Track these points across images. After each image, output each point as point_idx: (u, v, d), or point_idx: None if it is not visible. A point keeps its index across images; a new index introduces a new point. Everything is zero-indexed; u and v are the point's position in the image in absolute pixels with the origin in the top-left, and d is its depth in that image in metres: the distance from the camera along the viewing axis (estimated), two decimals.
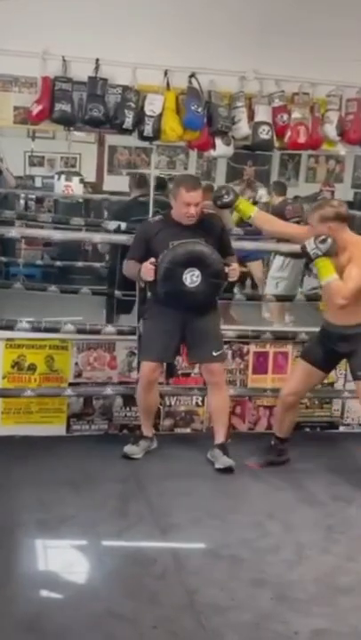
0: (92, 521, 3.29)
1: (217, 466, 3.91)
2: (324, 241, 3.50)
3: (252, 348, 4.62)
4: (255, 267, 7.63)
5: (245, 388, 4.62)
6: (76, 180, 8.80)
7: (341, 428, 4.76)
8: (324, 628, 2.66)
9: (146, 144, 8.93)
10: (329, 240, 3.51)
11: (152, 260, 3.73)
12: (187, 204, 3.78)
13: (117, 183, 8.85)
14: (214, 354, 3.93)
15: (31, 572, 2.92)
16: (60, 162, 9.96)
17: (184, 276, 3.74)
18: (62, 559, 3.04)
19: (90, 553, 3.09)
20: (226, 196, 3.83)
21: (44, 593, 2.79)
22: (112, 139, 8.06)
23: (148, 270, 3.73)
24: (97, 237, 5.23)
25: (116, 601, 2.74)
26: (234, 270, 3.88)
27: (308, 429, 4.69)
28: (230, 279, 3.93)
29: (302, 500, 3.70)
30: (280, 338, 4.67)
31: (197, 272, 3.74)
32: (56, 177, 8.81)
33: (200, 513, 3.46)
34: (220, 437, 4.03)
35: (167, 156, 9.96)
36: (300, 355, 4.06)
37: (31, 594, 2.77)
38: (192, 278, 3.75)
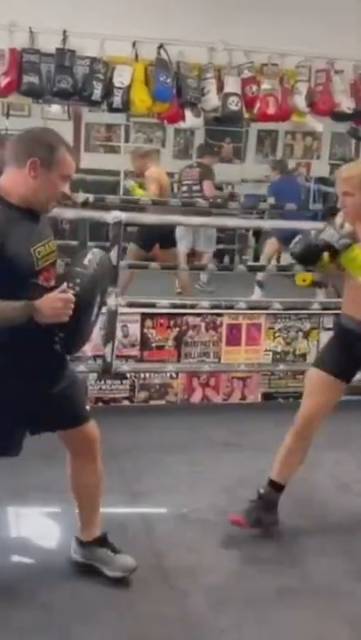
0: (64, 489, 3.30)
1: (113, 574, 2.68)
2: (342, 226, 2.84)
3: (225, 320, 4.66)
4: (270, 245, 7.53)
5: (219, 361, 4.65)
6: None
7: None
8: (290, 587, 2.73)
9: (122, 121, 9.04)
10: (346, 222, 2.85)
11: (70, 284, 2.27)
12: (65, 178, 2.34)
13: (94, 161, 8.85)
14: (88, 408, 2.73)
15: (2, 539, 2.96)
16: None
17: (94, 311, 2.43)
18: (33, 526, 3.08)
19: (61, 519, 3.13)
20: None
21: (16, 558, 2.83)
22: (89, 116, 8.01)
23: (66, 303, 2.23)
24: (68, 213, 5.05)
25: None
26: None
27: (281, 400, 4.73)
28: None
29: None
30: (254, 308, 4.71)
31: (99, 298, 2.46)
32: None
33: (171, 480, 3.51)
34: (98, 527, 2.77)
35: (144, 132, 9.94)
36: (315, 365, 3.10)
37: (2, 560, 2.80)
38: (95, 309, 2.44)
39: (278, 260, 8.31)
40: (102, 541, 2.73)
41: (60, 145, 2.32)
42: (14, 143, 2.35)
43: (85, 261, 2.32)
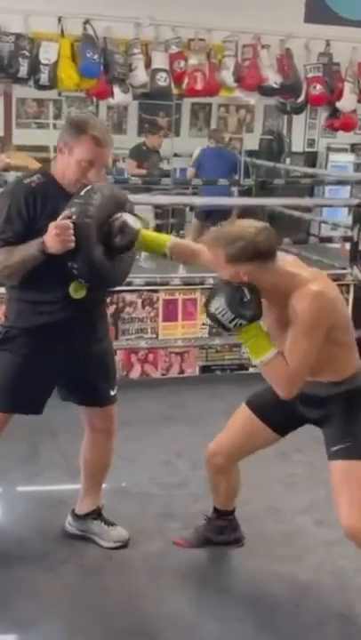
0: (4, 468, 3.33)
1: (107, 545, 2.82)
2: (240, 299, 2.25)
3: (162, 295, 4.71)
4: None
5: (157, 337, 4.68)
6: None
7: (251, 370, 4.91)
8: (224, 552, 2.83)
9: (55, 96, 8.90)
10: (247, 293, 2.25)
11: (67, 212, 2.37)
12: (89, 163, 2.44)
13: (27, 137, 8.69)
14: (112, 393, 2.78)
15: None
16: None
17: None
18: None
19: (1, 498, 3.16)
20: (120, 237, 2.43)
21: None
22: (20, 91, 7.84)
23: (65, 229, 2.33)
24: None
25: (26, 541, 2.83)
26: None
27: (218, 372, 4.82)
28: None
29: (211, 438, 3.78)
30: (188, 284, 4.77)
31: None
32: None
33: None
34: (98, 499, 2.89)
35: (77, 107, 9.81)
36: (247, 402, 2.63)
37: None
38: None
39: None
40: (96, 514, 2.86)
41: (88, 131, 2.42)
42: None
43: (82, 193, 2.41)
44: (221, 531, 2.85)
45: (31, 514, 3.04)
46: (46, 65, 4.23)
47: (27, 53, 4.20)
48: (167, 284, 4.66)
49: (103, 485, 3.08)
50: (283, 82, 4.81)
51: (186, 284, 4.72)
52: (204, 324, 4.74)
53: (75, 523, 2.88)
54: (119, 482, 3.31)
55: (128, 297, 4.55)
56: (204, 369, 4.76)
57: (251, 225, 2.29)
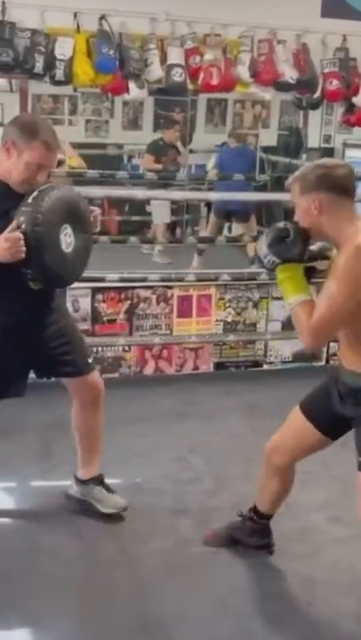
0: (18, 464, 3.36)
1: (106, 510, 2.95)
2: (281, 238, 2.23)
3: (176, 292, 4.70)
4: (249, 227, 7.24)
5: (171, 333, 4.69)
6: None
7: (265, 366, 4.91)
8: (238, 548, 2.81)
9: (70, 92, 8.92)
10: (292, 234, 2.22)
11: (16, 222, 2.39)
12: (37, 167, 2.46)
13: None
14: (90, 360, 2.92)
15: None
16: None
17: (61, 238, 2.49)
18: None
19: (15, 494, 3.19)
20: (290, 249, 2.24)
21: None
22: (36, 87, 7.85)
23: (16, 241, 2.35)
24: None
25: (41, 536, 2.85)
26: (96, 217, 2.76)
27: (233, 369, 4.82)
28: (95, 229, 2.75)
29: (224, 435, 3.84)
30: (203, 280, 4.76)
31: (70, 229, 2.52)
32: None
33: (125, 452, 3.56)
34: (96, 467, 3.03)
35: (92, 103, 9.82)
36: (300, 405, 2.56)
37: None
38: (66, 239, 2.51)
39: (230, 231, 8.38)
40: (99, 481, 3.01)
41: (39, 136, 2.44)
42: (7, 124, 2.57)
43: (29, 199, 2.42)
44: (251, 533, 2.79)
45: (44, 509, 3.05)
46: (62, 60, 4.24)
47: (42, 49, 4.21)
48: (182, 280, 4.66)
49: (117, 481, 3.11)
50: (299, 77, 4.78)
51: (200, 280, 4.71)
52: (218, 321, 4.74)
53: (78, 487, 3.02)
54: (133, 478, 3.32)
55: (142, 293, 4.55)
56: (219, 365, 4.75)
57: (333, 160, 2.33)
